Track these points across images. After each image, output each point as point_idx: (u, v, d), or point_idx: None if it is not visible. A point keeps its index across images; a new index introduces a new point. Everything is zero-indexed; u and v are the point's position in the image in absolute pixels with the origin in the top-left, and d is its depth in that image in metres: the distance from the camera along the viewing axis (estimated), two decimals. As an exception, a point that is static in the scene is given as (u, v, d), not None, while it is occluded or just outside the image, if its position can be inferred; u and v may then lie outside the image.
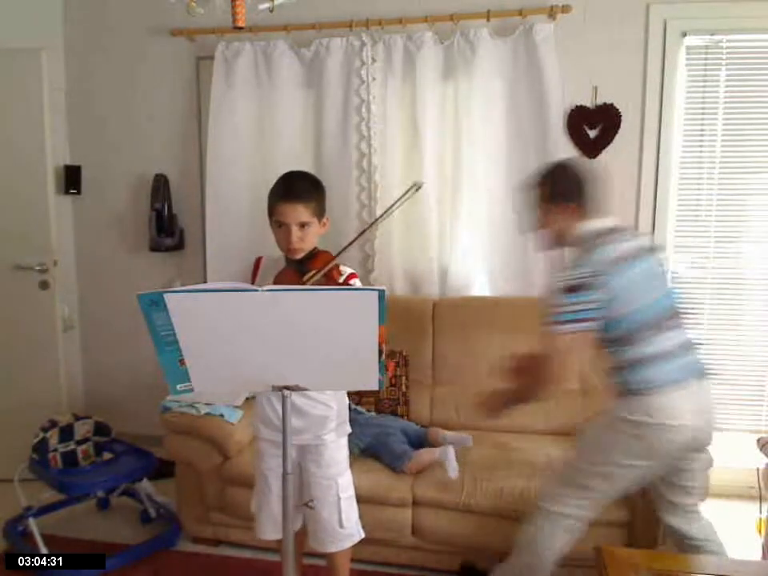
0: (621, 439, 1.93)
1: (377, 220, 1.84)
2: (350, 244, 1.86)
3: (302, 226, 1.89)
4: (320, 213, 1.95)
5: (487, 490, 2.40)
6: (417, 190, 1.82)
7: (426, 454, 2.54)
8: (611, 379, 1.98)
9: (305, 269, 1.83)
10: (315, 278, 1.78)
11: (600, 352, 1.98)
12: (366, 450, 2.59)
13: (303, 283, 1.78)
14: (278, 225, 1.92)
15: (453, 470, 2.42)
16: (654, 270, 1.98)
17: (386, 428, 2.68)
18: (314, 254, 1.90)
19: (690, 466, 2.04)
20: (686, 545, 2.13)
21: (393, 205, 1.79)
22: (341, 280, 1.86)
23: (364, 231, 1.83)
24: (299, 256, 1.91)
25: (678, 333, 1.95)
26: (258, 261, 2.06)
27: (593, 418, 2.09)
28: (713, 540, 2.11)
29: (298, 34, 3.21)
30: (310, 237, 1.91)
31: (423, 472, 2.52)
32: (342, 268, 1.90)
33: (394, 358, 2.93)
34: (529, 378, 2.00)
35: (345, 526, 2.03)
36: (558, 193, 2.00)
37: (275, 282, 1.84)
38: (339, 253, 1.82)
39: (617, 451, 1.94)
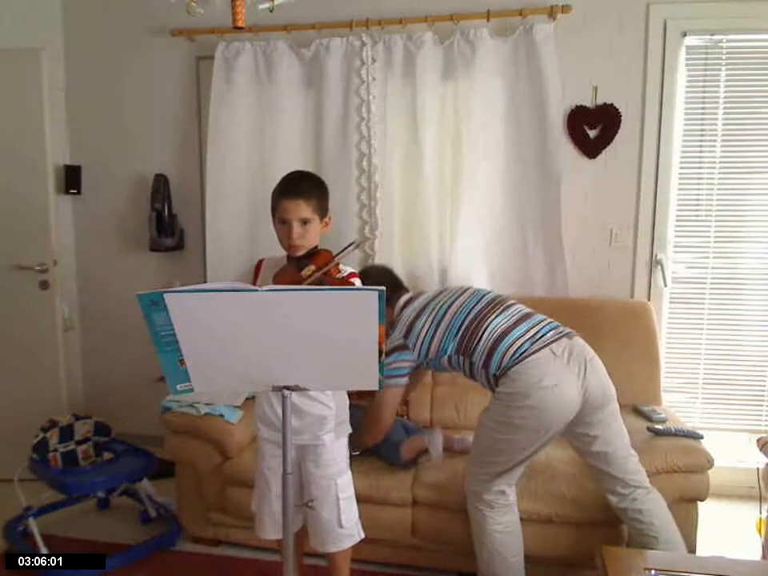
0: (506, 413, 2.09)
1: (330, 264, 1.85)
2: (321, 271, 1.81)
3: (304, 222, 1.91)
4: (322, 211, 1.96)
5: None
6: (356, 247, 1.91)
7: (416, 440, 2.57)
8: (486, 380, 2.19)
9: (304, 266, 1.83)
10: (314, 275, 1.78)
11: (467, 375, 2.26)
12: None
13: (301, 278, 1.78)
14: (281, 222, 1.93)
15: (437, 455, 2.49)
16: (448, 299, 2.29)
17: None
18: (314, 252, 1.90)
19: (595, 430, 2.13)
20: (631, 526, 2.19)
21: (337, 255, 1.84)
22: (338, 276, 1.87)
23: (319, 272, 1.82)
24: (300, 253, 1.91)
25: (505, 314, 2.20)
26: (259, 263, 2.07)
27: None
28: (660, 525, 2.15)
29: (298, 34, 3.21)
30: (311, 234, 1.92)
31: (420, 463, 2.54)
32: (341, 267, 1.91)
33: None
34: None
35: (345, 526, 2.03)
36: None
37: (275, 280, 1.84)
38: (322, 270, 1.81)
39: (506, 426, 2.10)
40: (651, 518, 2.15)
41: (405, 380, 2.28)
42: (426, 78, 3.08)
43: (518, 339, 2.12)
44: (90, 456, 2.84)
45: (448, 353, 2.21)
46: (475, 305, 2.24)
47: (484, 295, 2.29)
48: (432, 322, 2.23)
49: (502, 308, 2.23)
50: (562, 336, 2.14)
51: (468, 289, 2.35)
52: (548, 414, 2.05)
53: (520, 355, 2.08)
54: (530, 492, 2.35)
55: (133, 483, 2.87)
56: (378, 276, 2.49)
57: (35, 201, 3.22)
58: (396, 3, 3.13)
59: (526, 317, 2.21)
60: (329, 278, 1.80)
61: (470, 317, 2.20)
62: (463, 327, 2.19)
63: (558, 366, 2.07)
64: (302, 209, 1.90)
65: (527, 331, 2.14)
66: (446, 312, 2.24)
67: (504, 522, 2.20)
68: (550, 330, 2.16)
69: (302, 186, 1.95)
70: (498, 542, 2.19)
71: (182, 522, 2.75)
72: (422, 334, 2.23)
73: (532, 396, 2.04)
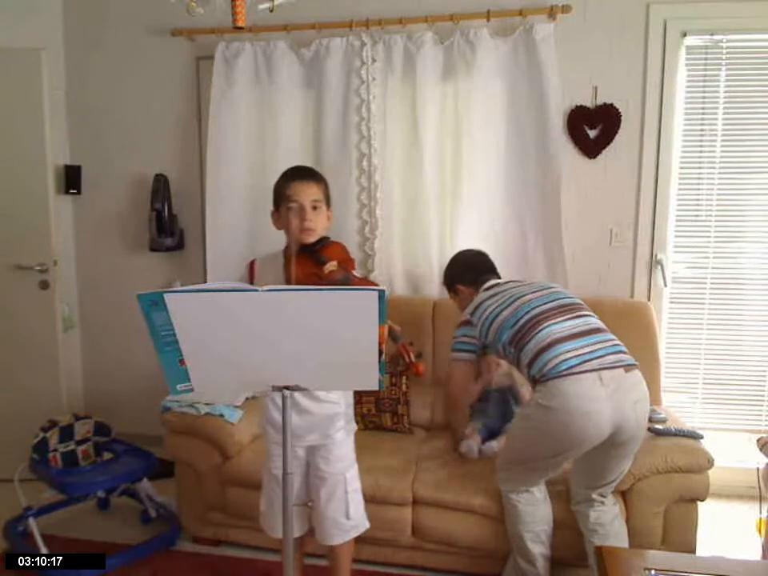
0: (535, 423, 2.11)
1: None
2: None
3: (314, 207, 1.91)
4: (327, 200, 1.98)
5: (487, 490, 2.40)
6: None
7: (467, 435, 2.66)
8: (527, 378, 2.20)
9: (320, 257, 1.81)
10: (338, 272, 1.78)
11: (514, 364, 2.27)
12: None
13: (322, 272, 1.78)
14: (289, 208, 1.90)
15: (470, 452, 2.58)
16: (523, 291, 2.27)
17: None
18: (326, 243, 1.87)
19: (611, 462, 2.14)
20: (584, 527, 2.25)
21: None
22: (356, 273, 1.89)
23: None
24: (312, 239, 1.88)
25: (568, 324, 2.13)
26: (251, 264, 2.03)
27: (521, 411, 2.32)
28: (607, 530, 2.21)
29: (298, 34, 3.21)
30: (320, 220, 1.92)
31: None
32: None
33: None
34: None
35: (352, 517, 2.05)
36: (451, 284, 2.60)
37: (289, 273, 1.83)
38: None
39: (533, 432, 2.13)
40: (596, 526, 2.21)
41: (469, 355, 2.32)
42: (425, 77, 3.08)
43: (567, 352, 2.04)
44: (90, 456, 2.84)
45: (502, 341, 2.20)
46: (543, 304, 2.18)
47: (559, 298, 2.22)
48: (498, 305, 2.24)
49: (568, 316, 2.15)
50: (619, 366, 2.04)
51: (551, 288, 2.30)
52: (574, 437, 2.03)
53: (564, 369, 2.01)
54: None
55: (133, 483, 2.86)
56: (451, 270, 2.62)
57: (35, 201, 3.22)
58: (396, 3, 3.13)
59: (589, 332, 2.11)
60: (353, 278, 1.80)
61: (531, 314, 2.15)
62: (521, 322, 2.15)
63: (600, 394, 1.99)
64: (314, 191, 1.92)
65: (582, 347, 2.05)
66: (513, 302, 2.23)
67: (540, 517, 2.26)
68: (609, 354, 2.06)
69: (311, 171, 2.00)
70: (528, 534, 2.25)
71: (182, 522, 2.75)
72: (485, 314, 2.26)
73: (565, 415, 2.00)
